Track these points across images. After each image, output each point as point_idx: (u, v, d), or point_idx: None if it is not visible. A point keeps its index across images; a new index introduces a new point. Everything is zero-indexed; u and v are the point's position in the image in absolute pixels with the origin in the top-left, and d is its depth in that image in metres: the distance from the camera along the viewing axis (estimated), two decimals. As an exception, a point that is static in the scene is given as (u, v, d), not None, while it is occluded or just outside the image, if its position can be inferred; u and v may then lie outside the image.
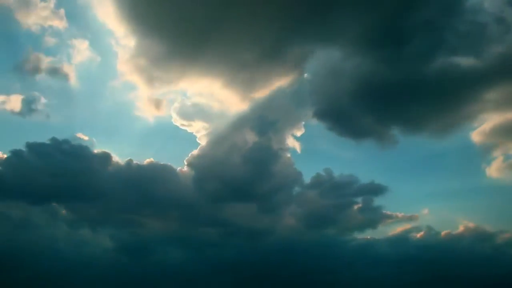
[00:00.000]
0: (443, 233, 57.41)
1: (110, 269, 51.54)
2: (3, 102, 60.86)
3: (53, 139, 54.92)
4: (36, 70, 61.61)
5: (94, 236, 52.87)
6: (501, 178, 62.08)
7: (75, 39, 66.01)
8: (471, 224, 58.03)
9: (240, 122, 59.81)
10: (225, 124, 60.64)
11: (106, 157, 56.56)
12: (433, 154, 67.32)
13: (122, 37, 63.12)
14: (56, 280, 48.99)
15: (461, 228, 58.03)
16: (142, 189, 54.89)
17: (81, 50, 65.68)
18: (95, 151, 56.93)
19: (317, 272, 54.31)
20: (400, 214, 58.74)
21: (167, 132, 68.36)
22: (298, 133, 61.07)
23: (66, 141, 55.12)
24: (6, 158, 53.89)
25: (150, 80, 62.03)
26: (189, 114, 62.55)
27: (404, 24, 53.87)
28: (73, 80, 64.64)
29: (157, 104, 64.63)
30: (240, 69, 59.72)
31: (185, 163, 58.98)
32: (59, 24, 62.84)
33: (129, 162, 57.66)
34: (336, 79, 58.30)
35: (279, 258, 55.02)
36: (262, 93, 61.05)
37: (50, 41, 64.20)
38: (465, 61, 54.78)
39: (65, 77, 63.69)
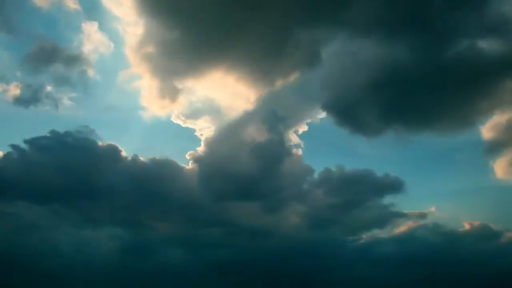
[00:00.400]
0: (450, 231, 57.04)
1: (113, 269, 50.48)
2: (6, 91, 59.05)
3: (53, 132, 53.49)
4: (47, 57, 59.61)
5: (98, 235, 51.86)
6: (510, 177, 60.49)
7: (85, 23, 64.67)
8: (478, 223, 57.54)
9: (247, 118, 59.12)
10: (232, 120, 60.03)
11: (113, 151, 55.15)
12: (442, 151, 66.66)
13: (132, 24, 61.98)
14: (58, 280, 47.90)
15: (469, 227, 57.52)
16: (147, 187, 53.73)
17: (91, 34, 63.89)
18: (100, 143, 55.34)
19: (324, 271, 53.96)
20: (407, 212, 58.05)
21: (173, 127, 65.10)
22: (304, 129, 60.67)
23: (68, 134, 53.67)
24: (4, 154, 52.29)
25: (159, 72, 60.76)
26: (197, 109, 61.69)
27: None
28: (81, 69, 62.66)
29: (164, 97, 62.49)
30: (251, 62, 58.64)
31: (191, 159, 58.22)
32: (71, 6, 62.14)
33: (135, 158, 56.42)
34: (347, 70, 56.73)
35: (284, 258, 54.47)
36: (272, 87, 60.26)
37: (62, 25, 63.65)
38: (490, 46, 51.87)
39: (75, 65, 61.80)
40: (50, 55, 59.60)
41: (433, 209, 60.64)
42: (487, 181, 62.86)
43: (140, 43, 59.57)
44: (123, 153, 56.05)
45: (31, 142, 52.87)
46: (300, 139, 60.34)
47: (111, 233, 52.60)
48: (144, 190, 53.53)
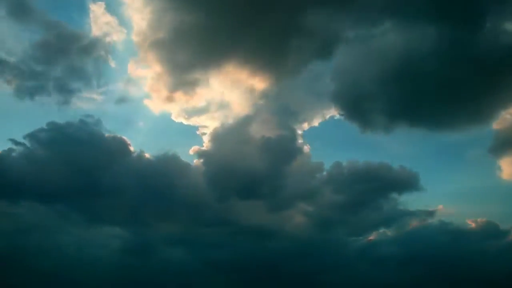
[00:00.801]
0: (457, 230, 55.80)
1: (119, 268, 49.89)
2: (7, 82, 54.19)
3: (51, 123, 51.27)
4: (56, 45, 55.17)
5: (106, 234, 50.96)
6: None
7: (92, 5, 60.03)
8: (486, 222, 56.36)
9: (255, 113, 57.63)
10: (239, 115, 58.25)
11: (120, 144, 53.00)
12: (452, 147, 64.62)
13: (141, 9, 57.35)
14: (62, 279, 47.19)
15: (476, 226, 56.52)
16: (151, 184, 52.25)
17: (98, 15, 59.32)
18: (107, 135, 53.13)
19: (331, 271, 53.55)
20: (415, 210, 56.82)
21: (179, 122, 60.89)
22: (313, 124, 59.08)
23: (69, 125, 51.60)
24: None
25: (167, 63, 57.30)
26: (203, 104, 59.53)
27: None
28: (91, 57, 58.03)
29: (170, 90, 58.67)
30: (261, 55, 56.10)
31: (195, 156, 56.90)
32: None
33: (141, 154, 54.74)
34: (359, 61, 53.81)
35: (289, 258, 54.03)
36: (281, 82, 57.61)
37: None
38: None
39: (84, 53, 56.88)
40: (60, 42, 55.30)
41: (440, 207, 59.31)
42: (496, 180, 61.15)
43: (148, 28, 56.12)
44: (131, 148, 54.32)
45: (30, 136, 51.06)
46: (309, 134, 59.03)
47: (115, 232, 51.93)
48: (148, 188, 52.33)
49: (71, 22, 66.82)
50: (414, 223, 56.97)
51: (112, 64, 60.72)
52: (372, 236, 57.10)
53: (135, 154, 54.79)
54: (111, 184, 51.56)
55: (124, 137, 54.73)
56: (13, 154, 50.27)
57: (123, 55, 63.68)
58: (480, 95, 53.05)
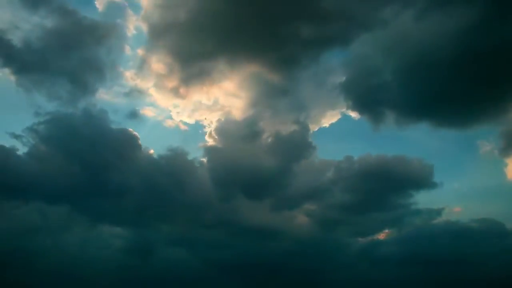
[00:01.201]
0: (464, 229, 54.86)
1: (117, 270, 48.67)
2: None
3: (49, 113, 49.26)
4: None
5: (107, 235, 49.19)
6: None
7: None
8: (493, 221, 55.69)
9: (260, 110, 56.20)
10: (249, 111, 56.73)
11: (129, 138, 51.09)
12: (461, 145, 64.40)
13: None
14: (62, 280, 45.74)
15: (482, 225, 55.76)
16: (156, 183, 50.81)
17: None
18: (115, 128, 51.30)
19: (332, 271, 53.15)
20: (423, 209, 55.92)
21: (183, 119, 59.95)
22: (324, 122, 57.89)
23: (71, 116, 49.68)
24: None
25: (177, 54, 55.31)
26: (208, 101, 58.11)
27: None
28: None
29: (179, 84, 56.87)
30: (276, 48, 54.21)
31: (202, 153, 55.71)
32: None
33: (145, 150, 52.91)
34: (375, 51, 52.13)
35: (292, 258, 53.32)
36: (292, 77, 55.84)
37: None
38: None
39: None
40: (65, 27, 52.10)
41: (448, 206, 58.74)
42: (504, 179, 60.85)
43: (158, 15, 54.18)
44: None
45: (30, 129, 49.35)
46: (320, 130, 58.09)
47: (121, 232, 50.87)
48: (154, 187, 50.96)
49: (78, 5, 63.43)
50: (422, 222, 56.56)
51: (122, 52, 58.82)
52: (381, 235, 56.94)
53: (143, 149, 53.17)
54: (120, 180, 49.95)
55: (130, 129, 53.14)
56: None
57: (132, 42, 61.41)
58: (496, 90, 50.65)
